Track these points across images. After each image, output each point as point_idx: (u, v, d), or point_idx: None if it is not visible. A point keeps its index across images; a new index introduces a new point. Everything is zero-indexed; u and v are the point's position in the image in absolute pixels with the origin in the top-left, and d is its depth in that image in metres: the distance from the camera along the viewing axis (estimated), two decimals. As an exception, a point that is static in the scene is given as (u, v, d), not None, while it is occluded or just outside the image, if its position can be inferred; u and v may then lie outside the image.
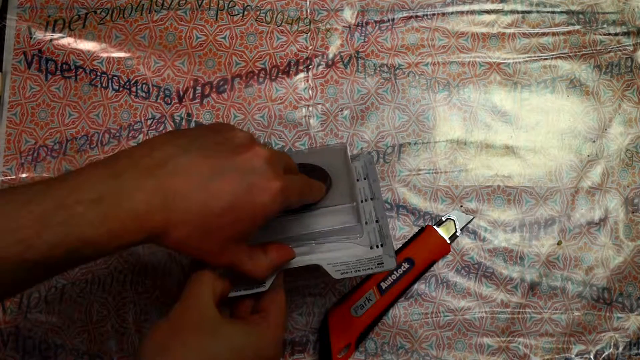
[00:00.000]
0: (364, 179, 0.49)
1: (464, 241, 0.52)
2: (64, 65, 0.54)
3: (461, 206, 0.52)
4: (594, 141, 0.53)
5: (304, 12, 0.55)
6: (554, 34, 0.54)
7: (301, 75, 0.54)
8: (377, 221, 0.47)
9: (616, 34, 0.54)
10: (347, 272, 0.42)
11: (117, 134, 0.53)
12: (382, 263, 0.44)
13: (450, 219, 0.52)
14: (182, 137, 0.35)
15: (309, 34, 0.54)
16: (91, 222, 0.30)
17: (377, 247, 0.46)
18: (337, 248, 0.45)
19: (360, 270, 0.44)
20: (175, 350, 0.33)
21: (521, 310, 0.51)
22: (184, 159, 0.33)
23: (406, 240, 0.52)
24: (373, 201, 0.48)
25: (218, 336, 0.35)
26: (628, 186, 0.53)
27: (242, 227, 0.34)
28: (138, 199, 0.31)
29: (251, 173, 0.34)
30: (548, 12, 0.55)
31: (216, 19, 0.54)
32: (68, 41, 0.54)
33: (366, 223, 0.47)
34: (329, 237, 0.45)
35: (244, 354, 0.36)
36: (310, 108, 0.53)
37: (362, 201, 0.48)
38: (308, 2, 0.55)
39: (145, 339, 0.34)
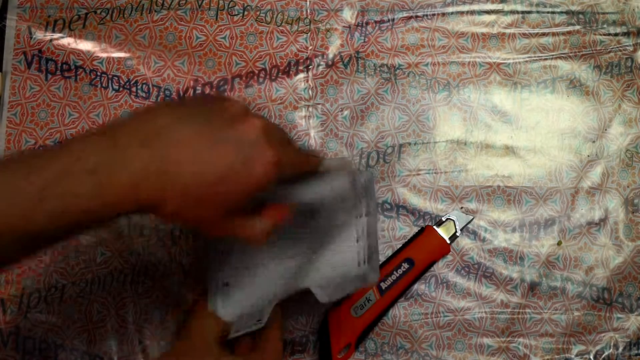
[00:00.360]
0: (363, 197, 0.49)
1: (464, 241, 0.52)
2: (64, 65, 0.54)
3: (461, 207, 0.52)
4: (594, 141, 0.53)
5: (304, 12, 0.55)
6: (554, 34, 0.54)
7: (301, 75, 0.54)
8: (368, 236, 0.47)
9: (616, 34, 0.54)
10: (334, 295, 0.42)
11: (117, 134, 0.53)
12: (366, 278, 0.45)
13: (450, 219, 0.52)
14: (178, 107, 0.35)
15: (309, 34, 0.54)
16: (88, 193, 0.31)
17: (364, 263, 0.46)
18: (328, 264, 0.45)
19: (345, 289, 0.45)
20: None
21: (521, 310, 0.51)
22: (179, 130, 0.33)
23: (406, 240, 0.52)
24: (367, 217, 0.48)
25: None
26: (628, 186, 0.53)
27: (236, 197, 0.34)
28: (133, 168, 0.31)
29: (246, 144, 0.34)
30: (548, 12, 0.55)
31: (216, 19, 0.54)
32: (68, 41, 0.54)
33: (357, 241, 0.47)
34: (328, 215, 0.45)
35: None
36: (310, 108, 0.53)
37: (357, 217, 0.48)
38: (308, 2, 0.55)
39: None
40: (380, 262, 0.51)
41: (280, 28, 0.54)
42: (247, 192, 0.34)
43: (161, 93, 0.53)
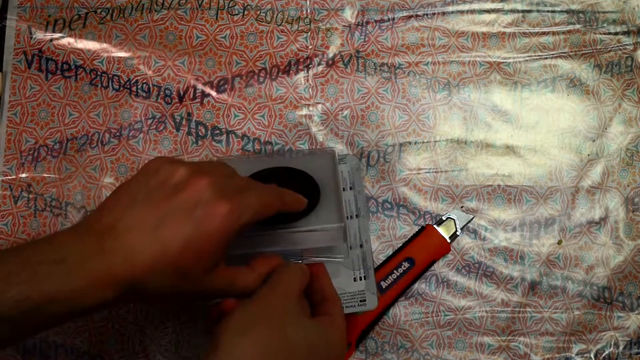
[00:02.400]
0: (350, 188, 0.49)
1: (464, 240, 0.52)
2: (64, 65, 0.54)
3: (462, 206, 0.52)
4: (594, 140, 0.53)
5: (304, 12, 0.55)
6: (554, 33, 0.54)
7: (301, 74, 0.54)
8: (361, 246, 0.47)
9: (616, 33, 0.54)
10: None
11: (118, 134, 0.53)
12: (365, 300, 0.45)
13: (450, 218, 0.52)
14: (125, 193, 0.36)
15: (309, 33, 0.54)
16: (55, 281, 0.31)
17: (361, 279, 0.46)
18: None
19: (343, 308, 0.45)
20: (259, 332, 0.34)
21: (521, 309, 0.51)
22: (130, 216, 0.34)
23: (406, 239, 0.52)
24: (358, 219, 0.48)
25: (298, 328, 0.37)
26: (628, 185, 0.53)
27: (207, 257, 0.35)
28: (99, 260, 0.33)
29: (195, 207, 0.34)
30: (548, 11, 0.55)
31: (216, 19, 0.54)
32: (68, 41, 0.54)
33: (351, 248, 0.47)
34: (314, 255, 0.45)
35: (317, 350, 0.37)
36: (311, 107, 0.53)
37: (348, 218, 0.48)
38: (308, 2, 0.55)
39: (227, 318, 0.35)
40: (381, 261, 0.51)
41: (281, 27, 0.54)
42: (214, 249, 0.35)
43: (161, 92, 0.53)
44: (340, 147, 0.53)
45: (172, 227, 0.34)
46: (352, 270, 0.47)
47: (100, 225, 0.34)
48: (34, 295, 0.31)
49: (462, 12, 0.54)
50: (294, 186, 0.44)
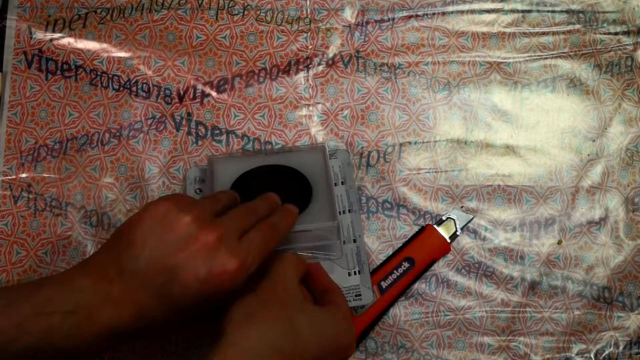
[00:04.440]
0: (342, 183, 0.49)
1: (464, 240, 0.52)
2: (64, 65, 0.54)
3: (462, 206, 0.52)
4: (594, 140, 0.53)
5: (304, 12, 0.55)
6: (554, 33, 0.54)
7: (301, 74, 0.54)
8: (354, 240, 0.47)
9: (616, 33, 0.54)
10: None
11: (118, 134, 0.53)
12: (360, 295, 0.45)
13: (450, 218, 0.52)
14: (135, 238, 0.36)
15: (309, 33, 0.54)
16: (66, 334, 0.32)
17: (355, 273, 0.46)
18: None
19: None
20: (262, 317, 0.35)
21: (521, 309, 0.51)
22: (141, 265, 0.35)
23: (406, 239, 0.52)
24: (351, 214, 0.48)
25: (302, 313, 0.37)
26: (628, 185, 0.53)
27: (216, 304, 0.36)
28: (108, 313, 0.34)
29: (206, 261, 0.35)
30: (548, 11, 0.55)
31: (216, 19, 0.54)
32: (68, 41, 0.54)
33: (344, 242, 0.47)
34: (308, 253, 0.45)
35: (325, 334, 0.37)
36: (311, 107, 0.53)
37: (340, 213, 0.48)
38: (308, 2, 0.55)
39: (232, 308, 0.35)
40: (381, 261, 0.51)
41: (281, 27, 0.54)
42: (221, 298, 0.36)
43: (161, 92, 0.53)
44: (340, 147, 0.53)
45: (181, 285, 0.34)
46: (347, 265, 0.47)
47: (112, 269, 0.35)
48: (44, 348, 0.31)
49: (462, 12, 0.54)
50: (284, 184, 0.44)
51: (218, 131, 0.53)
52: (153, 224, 0.36)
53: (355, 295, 0.46)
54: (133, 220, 0.36)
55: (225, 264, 0.35)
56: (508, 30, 0.54)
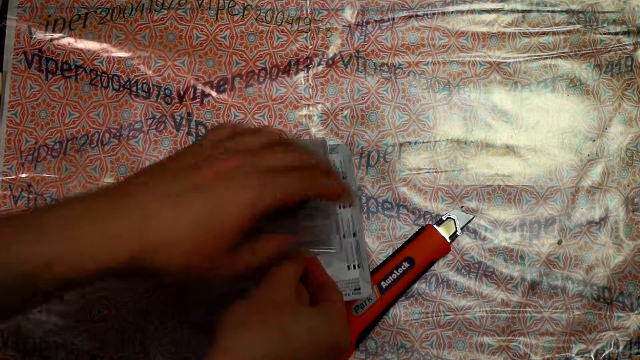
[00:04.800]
0: (343, 178, 0.49)
1: (464, 240, 0.52)
2: (64, 65, 0.54)
3: (462, 206, 0.52)
4: (594, 140, 0.53)
5: (304, 12, 0.55)
6: (554, 33, 0.54)
7: (301, 74, 0.54)
8: (354, 234, 0.47)
9: (616, 33, 0.54)
10: None
11: (118, 134, 0.53)
12: (359, 289, 0.45)
13: (450, 218, 0.52)
14: (166, 163, 0.36)
15: (309, 33, 0.54)
16: (95, 254, 0.31)
17: (355, 267, 0.46)
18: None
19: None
20: (255, 325, 0.34)
21: (521, 309, 0.51)
22: (153, 184, 0.34)
23: (406, 239, 0.52)
24: (351, 208, 0.48)
25: (297, 317, 0.36)
26: (628, 185, 0.53)
27: (226, 238, 0.34)
28: (111, 223, 0.32)
29: (219, 186, 0.34)
30: (548, 11, 0.55)
31: (216, 19, 0.54)
32: (68, 41, 0.54)
33: (344, 236, 0.47)
34: (306, 248, 0.45)
35: (320, 337, 0.37)
36: (311, 107, 0.53)
37: (340, 207, 0.48)
38: (308, 2, 0.55)
39: (226, 313, 0.35)
40: (381, 261, 0.51)
41: (281, 27, 0.54)
42: (225, 237, 0.34)
43: (161, 92, 0.53)
44: (341, 142, 0.53)
45: (192, 203, 0.33)
46: (346, 258, 0.47)
47: (125, 189, 0.34)
48: (75, 272, 0.31)
49: (462, 12, 0.54)
50: None
51: (218, 131, 0.53)
52: (192, 148, 0.37)
53: (355, 289, 0.46)
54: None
55: (237, 194, 0.34)
56: (508, 30, 0.54)
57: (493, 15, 0.54)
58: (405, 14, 0.54)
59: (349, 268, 0.47)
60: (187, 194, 0.33)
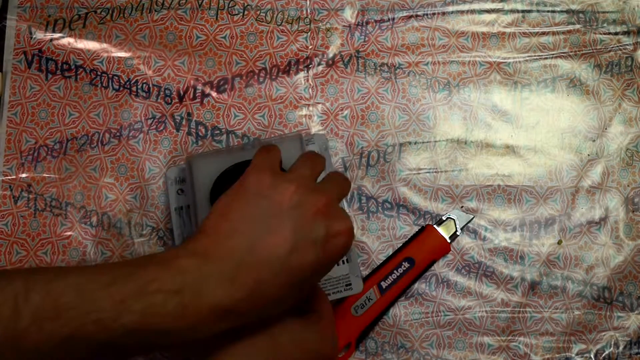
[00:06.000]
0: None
1: (464, 240, 0.52)
2: (64, 65, 0.54)
3: (462, 206, 0.52)
4: (594, 140, 0.53)
5: (304, 12, 0.55)
6: (554, 33, 0.54)
7: (301, 74, 0.54)
8: None
9: (616, 33, 0.54)
10: None
11: (118, 134, 0.53)
12: (350, 284, 0.45)
13: (450, 218, 0.52)
14: (240, 214, 0.34)
15: (309, 33, 0.54)
16: (170, 313, 0.30)
17: (343, 262, 0.46)
18: None
19: (330, 294, 0.45)
20: (245, 335, 0.35)
21: (521, 309, 0.51)
22: (256, 242, 0.33)
23: (406, 239, 0.52)
24: None
25: (286, 328, 0.37)
26: (628, 185, 0.53)
27: (324, 272, 0.37)
28: (221, 291, 0.32)
29: (320, 225, 0.35)
30: (548, 11, 0.55)
31: (216, 19, 0.54)
32: (68, 41, 0.54)
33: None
34: None
35: (308, 347, 0.37)
36: (311, 107, 0.53)
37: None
38: (308, 2, 0.55)
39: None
40: (381, 261, 0.51)
41: (281, 27, 0.54)
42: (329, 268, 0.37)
43: (161, 92, 0.53)
44: (340, 147, 0.53)
45: (303, 258, 0.34)
46: None
47: (221, 249, 0.33)
48: (145, 327, 0.30)
49: (462, 12, 0.54)
50: None
51: (218, 131, 0.53)
52: (256, 200, 0.35)
53: (346, 285, 0.46)
54: (230, 198, 0.35)
55: (340, 225, 0.35)
56: (508, 30, 0.54)
57: (493, 15, 0.54)
58: (405, 14, 0.54)
59: (337, 264, 0.46)
60: (295, 252, 0.34)
